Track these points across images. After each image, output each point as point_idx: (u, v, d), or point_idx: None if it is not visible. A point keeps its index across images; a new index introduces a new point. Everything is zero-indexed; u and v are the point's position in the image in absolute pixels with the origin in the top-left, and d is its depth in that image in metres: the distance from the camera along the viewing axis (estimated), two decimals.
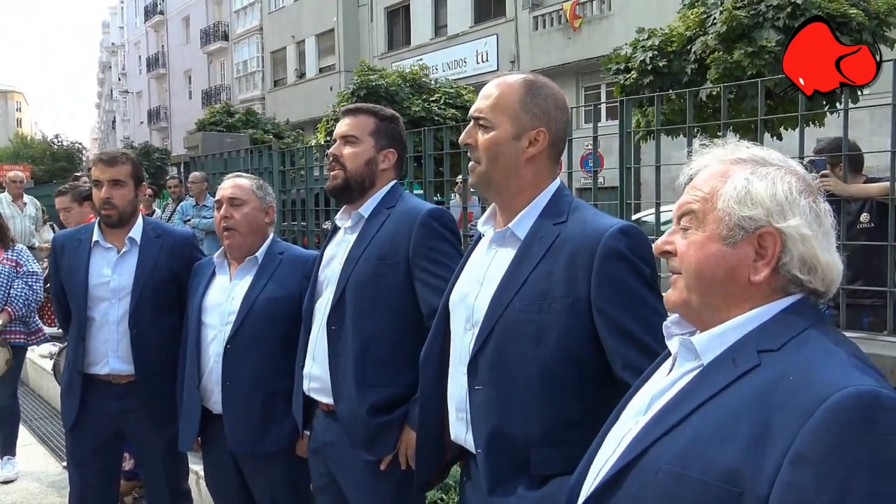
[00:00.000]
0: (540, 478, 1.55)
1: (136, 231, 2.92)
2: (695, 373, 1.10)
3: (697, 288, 1.11)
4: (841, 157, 3.67)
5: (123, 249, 2.89)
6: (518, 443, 1.56)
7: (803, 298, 1.08)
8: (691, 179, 1.17)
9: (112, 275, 2.86)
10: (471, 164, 1.72)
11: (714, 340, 1.09)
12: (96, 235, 2.91)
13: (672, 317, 1.22)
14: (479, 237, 1.80)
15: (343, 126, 2.28)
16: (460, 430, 1.69)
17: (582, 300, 1.53)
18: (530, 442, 1.55)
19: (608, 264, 1.51)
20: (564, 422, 1.54)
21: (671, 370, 1.17)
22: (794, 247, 1.05)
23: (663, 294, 1.23)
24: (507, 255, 1.65)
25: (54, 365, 4.63)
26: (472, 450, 1.64)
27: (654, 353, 1.46)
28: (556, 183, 1.70)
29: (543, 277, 1.56)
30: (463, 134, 1.73)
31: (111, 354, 2.85)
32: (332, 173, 2.26)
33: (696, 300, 1.12)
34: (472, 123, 1.72)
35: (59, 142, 43.74)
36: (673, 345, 1.18)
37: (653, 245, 1.20)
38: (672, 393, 1.11)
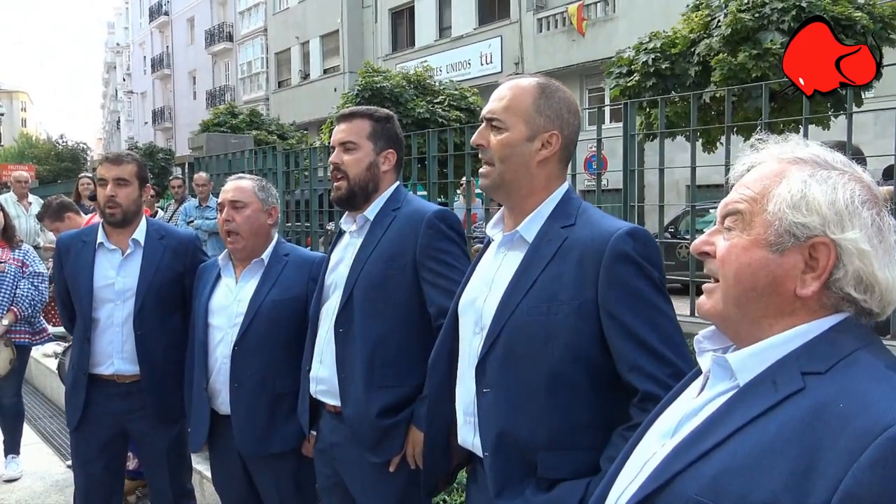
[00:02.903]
0: (547, 481, 1.54)
1: (140, 233, 2.92)
2: (729, 394, 1.00)
3: (735, 297, 1.01)
4: None
5: (127, 251, 2.90)
6: (525, 446, 1.55)
7: (852, 316, 0.98)
8: (742, 177, 1.07)
9: (116, 277, 2.87)
10: (483, 168, 1.71)
11: (752, 359, 0.99)
12: (100, 237, 2.91)
13: (705, 331, 1.12)
14: (489, 241, 1.80)
15: (340, 133, 2.25)
16: (468, 434, 1.69)
17: (590, 303, 1.52)
18: (538, 445, 1.54)
19: (616, 267, 1.50)
20: (572, 425, 1.54)
21: (702, 390, 1.07)
22: (850, 262, 0.95)
23: (696, 300, 1.15)
24: (515, 258, 1.65)
25: (59, 364, 4.65)
26: (480, 453, 1.63)
27: (661, 355, 1.47)
28: (565, 186, 1.70)
29: (551, 280, 1.56)
30: (475, 135, 1.72)
31: (116, 355, 2.85)
32: (335, 183, 2.24)
33: (733, 311, 1.02)
34: (484, 125, 1.71)
35: (63, 142, 43.83)
36: (705, 362, 1.08)
37: (691, 245, 1.09)
38: (703, 416, 1.01)
